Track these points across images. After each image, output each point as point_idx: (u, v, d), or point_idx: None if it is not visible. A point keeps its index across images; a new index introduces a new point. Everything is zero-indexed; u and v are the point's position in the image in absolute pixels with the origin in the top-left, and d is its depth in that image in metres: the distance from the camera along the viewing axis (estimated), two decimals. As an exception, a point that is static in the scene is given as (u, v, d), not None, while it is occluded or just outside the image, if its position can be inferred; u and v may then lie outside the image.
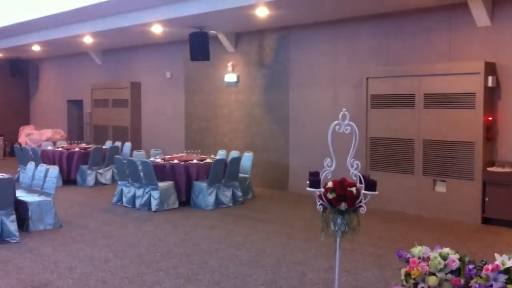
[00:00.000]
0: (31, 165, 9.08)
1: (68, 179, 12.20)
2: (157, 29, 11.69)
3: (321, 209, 3.95)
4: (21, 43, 14.94)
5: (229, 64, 12.44)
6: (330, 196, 3.81)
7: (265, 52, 11.84)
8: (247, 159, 10.60)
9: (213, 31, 11.80)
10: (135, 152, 11.74)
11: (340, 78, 10.44)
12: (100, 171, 12.33)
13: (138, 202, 9.50)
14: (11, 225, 7.23)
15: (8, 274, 5.84)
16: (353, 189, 3.84)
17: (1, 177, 7.62)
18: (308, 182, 3.99)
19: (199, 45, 11.59)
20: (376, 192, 3.91)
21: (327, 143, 4.12)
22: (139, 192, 9.50)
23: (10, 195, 7.41)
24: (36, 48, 15.71)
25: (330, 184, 3.88)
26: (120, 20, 11.41)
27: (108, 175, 12.40)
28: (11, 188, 7.47)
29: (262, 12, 9.57)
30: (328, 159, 4.09)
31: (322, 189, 3.92)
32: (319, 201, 3.93)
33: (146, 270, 5.99)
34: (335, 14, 9.93)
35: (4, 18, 12.94)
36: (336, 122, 4.05)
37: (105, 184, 12.23)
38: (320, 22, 10.54)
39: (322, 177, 4.01)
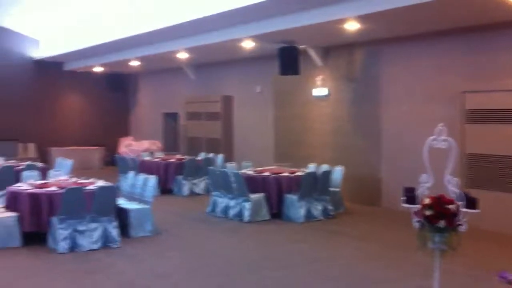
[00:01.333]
0: (131, 174, 9.58)
1: (164, 189, 12.71)
2: (248, 45, 11.98)
3: (418, 226, 3.91)
4: (121, 58, 15.79)
5: (318, 78, 12.50)
6: (427, 213, 3.77)
7: (355, 66, 11.80)
8: (337, 173, 10.57)
9: (303, 46, 11.92)
10: (227, 164, 12.04)
11: (432, 92, 10.19)
12: (195, 181, 12.76)
13: (231, 213, 9.74)
14: (113, 231, 7.66)
15: (110, 278, 6.20)
16: (452, 206, 3.77)
17: (105, 185, 8.13)
18: (403, 198, 3.96)
19: (288, 59, 11.75)
20: (478, 210, 3.82)
21: (420, 159, 4.07)
22: (232, 203, 9.75)
23: (112, 202, 7.88)
24: (135, 63, 16.55)
25: (427, 200, 3.84)
26: (212, 36, 11.80)
27: (202, 185, 12.80)
28: (114, 196, 7.94)
29: (352, 26, 9.56)
30: (424, 175, 4.04)
31: (418, 206, 3.88)
32: (415, 218, 3.89)
33: (238, 280, 6.14)
34: (427, 27, 9.73)
35: (106, 35, 13.74)
36: (432, 137, 4.01)
37: (199, 194, 12.63)
38: (412, 35, 10.35)
39: (418, 193, 3.97)
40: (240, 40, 11.54)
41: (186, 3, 10.72)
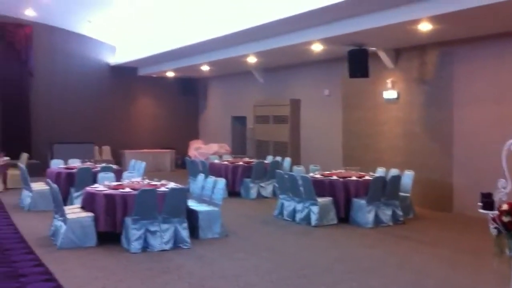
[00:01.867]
0: (200, 176, 9.76)
1: (233, 191, 12.87)
2: (316, 48, 11.94)
3: (495, 233, 3.77)
4: (192, 63, 16.15)
5: (389, 80, 12.27)
6: (505, 219, 3.62)
7: (427, 68, 11.50)
8: (407, 177, 10.33)
9: (373, 48, 11.75)
10: (294, 167, 12.04)
11: (507, 94, 9.77)
12: (262, 184, 12.85)
13: (298, 216, 9.73)
14: (184, 232, 7.83)
15: (181, 278, 6.34)
16: (532, 213, 3.61)
17: (176, 187, 8.33)
18: (480, 203, 3.83)
19: (358, 62, 11.62)
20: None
21: (494, 162, 3.93)
22: (299, 207, 9.74)
23: (183, 204, 8.05)
24: (205, 68, 16.88)
25: (505, 206, 3.69)
26: (281, 40, 11.85)
27: (270, 188, 12.86)
28: (184, 198, 8.12)
29: (424, 27, 9.34)
30: (502, 180, 3.89)
31: (496, 212, 3.74)
32: (492, 225, 3.75)
33: (308, 284, 6.12)
34: (502, 27, 9.35)
35: (178, 41, 14.11)
36: (511, 141, 3.85)
37: (266, 197, 12.70)
38: (487, 35, 9.98)
39: (495, 198, 3.82)
40: (309, 43, 11.53)
41: (255, 8, 10.83)
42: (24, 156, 15.25)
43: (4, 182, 13.94)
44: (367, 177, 10.00)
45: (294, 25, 10.78)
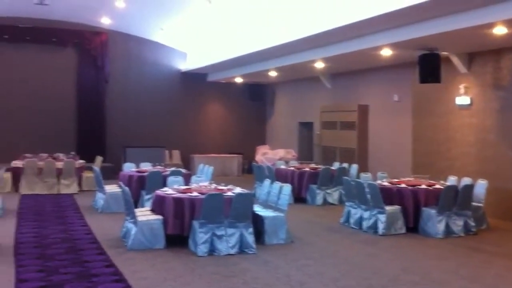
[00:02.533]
0: (266, 182, 9.81)
1: (298, 197, 12.85)
2: (386, 52, 11.74)
3: None
4: (260, 69, 16.28)
5: (461, 86, 11.87)
6: None
7: (502, 73, 11.04)
8: (480, 186, 9.95)
9: (445, 52, 11.42)
10: (362, 174, 11.87)
11: None
12: (329, 191, 12.75)
13: (364, 224, 9.59)
14: (249, 237, 7.89)
15: (246, 283, 6.38)
16: None
17: (242, 192, 8.41)
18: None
19: (429, 67, 11.33)
20: None
21: None
22: (366, 215, 9.59)
23: (249, 209, 8.12)
24: (272, 73, 16.97)
25: None
26: (349, 45, 11.73)
27: (336, 195, 12.75)
28: (250, 203, 8.19)
29: (499, 31, 8.98)
30: None
31: None
32: None
33: (374, 293, 6.03)
34: None
35: (246, 47, 14.27)
36: None
37: (332, 204, 12.60)
38: None
39: None
40: (378, 48, 11.36)
41: (323, 13, 10.79)
42: (99, 159, 15.89)
43: (79, 184, 14.57)
44: (437, 186, 9.71)
45: (362, 30, 10.66)
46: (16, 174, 14.16)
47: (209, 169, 12.79)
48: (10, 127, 17.90)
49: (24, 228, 9.32)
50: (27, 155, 14.96)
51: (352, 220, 9.94)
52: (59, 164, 14.29)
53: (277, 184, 9.25)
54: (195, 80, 20.04)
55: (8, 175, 14.04)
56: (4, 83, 17.93)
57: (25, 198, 13.04)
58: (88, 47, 18.69)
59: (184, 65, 19.83)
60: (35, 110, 18.22)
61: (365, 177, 11.37)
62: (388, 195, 9.58)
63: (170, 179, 10.46)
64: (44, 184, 14.05)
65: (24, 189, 13.89)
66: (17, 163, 14.37)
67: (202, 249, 7.60)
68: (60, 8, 16.23)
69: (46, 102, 18.34)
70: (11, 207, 11.50)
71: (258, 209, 8.87)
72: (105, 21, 17.93)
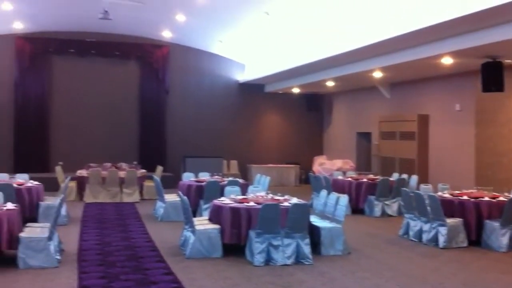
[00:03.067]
0: (323, 192, 9.77)
1: (356, 208, 12.70)
2: (447, 61, 11.49)
3: None
4: (317, 79, 16.26)
5: (528, 94, 11.47)
6: None
7: None
8: (548, 199, 9.53)
9: (508, 60, 11.06)
10: (422, 186, 11.61)
11: None
12: (387, 202, 12.54)
13: (424, 237, 9.36)
14: (306, 248, 7.87)
15: (302, 293, 6.38)
16: None
17: (298, 202, 8.41)
18: None
19: (492, 75, 10.97)
20: None
21: None
22: (426, 227, 9.37)
23: (305, 219, 8.11)
24: (330, 83, 16.91)
25: None
26: (408, 54, 11.55)
27: (395, 207, 12.52)
28: (306, 213, 8.17)
29: None
30: None
31: None
32: None
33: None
34: None
35: (304, 58, 14.30)
36: None
37: (391, 216, 12.37)
38: None
39: None
40: (438, 56, 11.15)
41: (382, 22, 10.69)
42: (159, 169, 16.27)
43: (141, 193, 14.96)
44: (501, 198, 9.38)
45: (422, 38, 10.48)
46: (81, 183, 14.71)
47: (266, 179, 12.85)
48: (75, 138, 18.64)
49: (87, 236, 9.66)
50: (91, 164, 15.52)
51: (411, 233, 9.73)
52: (122, 174, 14.74)
53: (334, 195, 9.18)
54: (253, 91, 20.23)
55: (73, 184, 14.60)
56: (70, 95, 18.70)
57: (89, 206, 13.51)
58: (150, 60, 19.24)
59: (242, 76, 20.07)
60: (99, 121, 18.91)
61: (425, 189, 11.12)
62: (449, 207, 9.34)
63: (227, 189, 10.59)
64: (107, 192, 14.52)
65: (88, 198, 14.40)
66: (82, 172, 14.93)
67: (259, 258, 7.64)
68: (123, 23, 16.82)
69: (110, 114, 19.01)
70: (75, 215, 11.95)
71: (314, 220, 8.83)
72: (166, 35, 18.43)
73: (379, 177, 13.44)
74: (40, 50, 18.22)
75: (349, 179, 13.41)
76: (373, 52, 12.20)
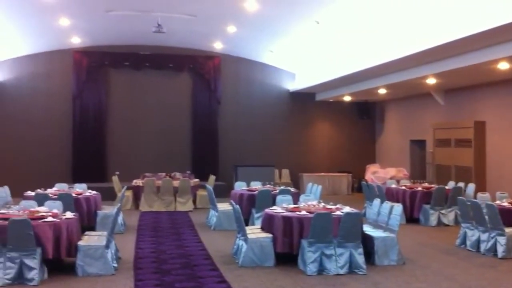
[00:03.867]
0: (376, 201, 9.64)
1: (410, 218, 12.47)
2: (503, 66, 11.17)
3: None
4: (368, 87, 16.11)
5: None
6: None
7: None
8: None
9: None
10: (479, 194, 11.28)
11: None
12: (443, 211, 12.25)
13: (482, 247, 9.09)
14: (359, 258, 7.79)
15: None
16: None
17: (351, 211, 8.34)
18: None
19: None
20: None
21: None
22: (484, 237, 9.10)
23: (358, 229, 8.03)
24: (382, 91, 16.71)
25: None
26: (463, 59, 11.29)
27: (451, 216, 12.21)
28: (359, 223, 8.10)
29: None
30: None
31: None
32: None
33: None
34: None
35: (355, 65, 14.21)
36: None
37: (447, 225, 12.08)
38: None
39: None
40: (494, 61, 10.84)
41: (434, 27, 10.51)
42: (212, 178, 16.47)
43: (194, 202, 15.18)
44: None
45: (477, 43, 10.24)
46: (137, 192, 15.07)
47: (318, 188, 12.80)
48: (131, 148, 19.11)
49: (143, 244, 9.88)
50: (146, 174, 15.87)
51: (468, 242, 9.48)
52: (176, 183, 14.99)
53: (388, 204, 9.06)
54: (304, 100, 20.22)
55: (129, 193, 14.97)
56: (126, 107, 19.21)
57: (144, 215, 13.81)
58: (202, 71, 19.55)
59: (293, 85, 20.09)
60: (154, 131, 19.33)
61: (483, 197, 10.80)
62: (508, 216, 9.05)
63: (279, 197, 10.61)
64: (162, 201, 14.80)
65: (144, 206, 14.72)
66: (137, 182, 15.29)
67: (311, 268, 7.62)
68: (176, 36, 17.18)
69: (164, 124, 19.40)
70: (131, 224, 12.24)
71: (368, 229, 8.74)
72: (218, 46, 18.70)
73: (434, 186, 13.16)
74: (97, 63, 18.83)
75: (403, 187, 13.18)
76: (426, 58, 12.00)
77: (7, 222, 7.12)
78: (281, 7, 13.73)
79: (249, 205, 11.73)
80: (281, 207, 8.96)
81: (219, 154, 19.67)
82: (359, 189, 17.47)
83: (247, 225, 9.40)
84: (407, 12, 11.47)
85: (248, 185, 13.40)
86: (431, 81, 13.91)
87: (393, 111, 20.05)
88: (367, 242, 8.24)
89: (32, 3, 13.43)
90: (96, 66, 18.85)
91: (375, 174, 18.16)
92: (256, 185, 13.24)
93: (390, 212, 8.72)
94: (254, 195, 11.75)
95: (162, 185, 14.82)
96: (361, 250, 7.84)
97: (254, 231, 8.62)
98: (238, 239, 8.66)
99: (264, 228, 8.65)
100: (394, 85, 15.29)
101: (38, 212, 8.03)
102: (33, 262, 7.02)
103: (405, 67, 13.31)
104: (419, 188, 12.84)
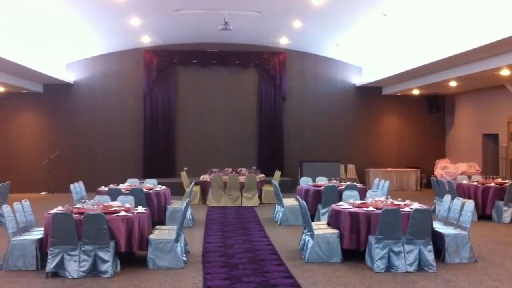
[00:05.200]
0: (447, 197, 9.38)
1: (483, 214, 12.06)
2: None
3: None
4: (438, 79, 15.66)
5: None
6: None
7: None
8: None
9: None
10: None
11: None
12: (517, 208, 11.80)
13: (561, 246, 8.69)
14: (429, 255, 7.61)
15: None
16: None
17: (420, 207, 8.16)
18: None
19: None
20: None
21: None
22: None
23: (428, 225, 7.85)
24: (452, 83, 16.21)
25: None
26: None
27: (527, 213, 11.73)
28: (429, 219, 7.91)
29: None
30: None
31: None
32: None
33: None
34: None
35: (424, 58, 13.86)
36: None
37: (523, 222, 11.63)
38: None
39: None
40: None
41: (506, 17, 10.08)
42: (277, 173, 16.54)
43: (260, 197, 15.31)
44: None
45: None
46: (204, 188, 15.38)
47: (385, 184, 12.60)
48: (199, 144, 19.50)
49: (210, 238, 10.08)
50: (213, 169, 16.15)
51: (545, 241, 9.07)
52: (242, 178, 15.18)
53: (459, 200, 8.79)
54: (370, 94, 19.92)
55: (197, 188, 15.30)
56: (194, 103, 19.61)
57: (211, 210, 14.07)
58: (267, 67, 19.63)
59: (359, 79, 19.83)
60: (221, 127, 19.64)
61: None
62: None
63: (346, 193, 10.53)
64: (229, 197, 15.02)
65: (211, 201, 14.99)
66: (205, 177, 15.59)
67: (379, 265, 7.53)
68: (242, 32, 17.35)
69: (231, 120, 19.67)
70: (199, 218, 12.50)
71: (438, 226, 8.53)
72: (283, 41, 18.73)
73: (508, 181, 12.64)
74: (166, 62, 19.31)
75: (475, 183, 12.76)
76: (500, 49, 11.53)
77: (82, 216, 7.46)
78: (347, 0, 13.58)
79: (315, 201, 11.72)
80: (348, 203, 8.89)
81: (284, 150, 19.71)
82: (428, 185, 17.06)
83: (313, 220, 9.40)
84: (477, 1, 11.06)
85: (313, 180, 13.37)
86: (505, 72, 13.36)
87: (464, 104, 19.39)
88: (437, 239, 8.06)
89: (106, 4, 13.94)
90: (166, 64, 19.33)
91: (445, 169, 17.67)
92: (322, 181, 13.19)
93: (462, 209, 8.47)
94: (320, 191, 11.72)
95: (229, 180, 15.02)
96: (431, 247, 7.67)
97: (321, 227, 8.61)
98: (304, 234, 8.67)
99: (330, 224, 8.62)
100: (465, 77, 14.81)
101: (111, 206, 8.35)
102: (107, 255, 7.32)
103: (477, 58, 12.86)
104: (492, 184, 12.39)
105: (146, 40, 18.40)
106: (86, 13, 14.63)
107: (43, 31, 14.75)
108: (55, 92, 18.91)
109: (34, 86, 18.02)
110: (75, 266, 7.27)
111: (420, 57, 14.10)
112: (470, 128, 18.80)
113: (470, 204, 8.41)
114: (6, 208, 7.93)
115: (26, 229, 8.19)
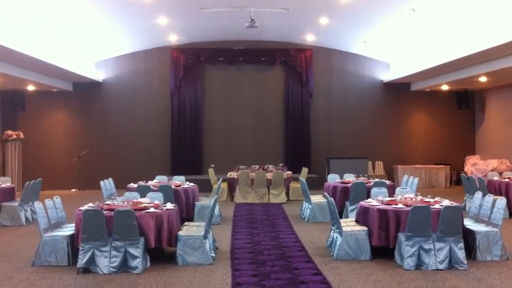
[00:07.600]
0: (478, 194, 9.24)
1: (515, 212, 11.88)
2: None
3: None
4: (468, 75, 15.42)
5: None
6: None
7: None
8: None
9: None
10: None
11: None
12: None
13: None
14: (460, 253, 7.51)
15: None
16: None
17: (450, 205, 8.05)
18: None
19: None
20: None
21: None
22: None
23: (458, 223, 7.74)
24: (482, 79, 15.94)
25: None
26: None
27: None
28: (459, 216, 7.80)
29: None
30: None
31: None
32: None
33: None
34: None
35: (453, 53, 13.66)
36: None
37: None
38: None
39: None
40: None
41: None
42: (304, 170, 16.51)
43: (287, 194, 15.30)
44: None
45: None
46: (231, 184, 15.44)
47: (414, 180, 12.46)
48: (226, 141, 19.60)
49: (238, 235, 10.11)
50: (240, 166, 16.18)
51: None
52: (269, 175, 15.18)
53: (490, 197, 8.66)
54: (398, 90, 19.72)
55: (224, 185, 15.36)
56: (221, 101, 19.70)
57: (239, 207, 14.12)
58: (294, 64, 19.58)
59: (387, 76, 19.64)
60: (248, 124, 19.68)
61: None
62: None
63: (374, 190, 10.45)
64: (256, 193, 15.05)
65: (238, 198, 15.04)
66: (232, 174, 15.64)
67: (409, 262, 7.46)
68: (268, 30, 17.34)
69: (258, 117, 19.70)
70: (227, 215, 12.56)
71: (468, 223, 8.41)
72: (309, 38, 18.66)
73: (541, 178, 12.39)
74: (193, 60, 19.41)
75: (506, 180, 12.54)
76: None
77: (112, 213, 7.56)
78: (374, -4, 13.49)
79: (343, 198, 11.66)
80: (377, 200, 8.83)
81: (311, 147, 19.66)
82: (458, 182, 16.84)
83: (340, 217, 9.35)
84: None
85: (341, 177, 13.31)
86: (538, 67, 13.10)
87: (495, 100, 19.04)
88: (468, 237, 7.95)
89: (133, 4, 14.09)
90: (192, 62, 19.43)
91: (475, 166, 17.41)
92: (349, 178, 13.12)
93: (493, 206, 8.34)
94: (348, 188, 11.66)
95: (256, 177, 15.05)
96: (461, 244, 7.56)
97: (349, 224, 8.57)
98: (332, 231, 8.64)
99: (359, 221, 8.57)
100: (496, 73, 14.55)
101: (141, 203, 8.44)
102: (137, 251, 7.40)
103: (507, 53, 12.61)
104: (525, 181, 12.16)
105: (173, 39, 18.54)
106: (114, 13, 14.81)
107: (73, 31, 14.98)
108: (84, 90, 19.19)
109: (64, 85, 18.32)
110: (105, 262, 7.37)
111: (449, 52, 13.90)
112: (501, 124, 18.45)
113: (502, 201, 8.27)
114: (38, 205, 8.08)
115: (57, 225, 8.34)
